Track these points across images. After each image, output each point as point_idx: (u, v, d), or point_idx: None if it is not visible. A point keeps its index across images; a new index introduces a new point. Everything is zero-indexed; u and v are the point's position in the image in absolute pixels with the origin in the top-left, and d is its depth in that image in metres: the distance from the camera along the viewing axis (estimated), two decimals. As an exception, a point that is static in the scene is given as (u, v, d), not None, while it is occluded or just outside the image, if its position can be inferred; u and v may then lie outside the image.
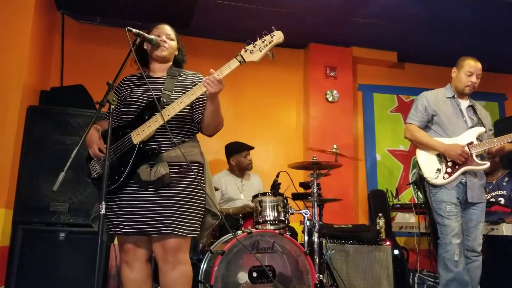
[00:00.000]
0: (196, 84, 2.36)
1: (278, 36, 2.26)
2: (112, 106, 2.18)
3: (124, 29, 2.30)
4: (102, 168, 2.35)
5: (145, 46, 2.53)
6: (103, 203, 1.99)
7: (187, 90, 2.35)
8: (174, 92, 2.42)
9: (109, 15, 4.85)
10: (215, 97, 2.29)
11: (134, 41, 2.36)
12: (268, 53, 2.27)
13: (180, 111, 2.36)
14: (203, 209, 2.42)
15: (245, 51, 2.25)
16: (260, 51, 2.24)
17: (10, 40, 3.62)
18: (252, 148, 4.61)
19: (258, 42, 2.26)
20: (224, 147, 4.64)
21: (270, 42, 2.25)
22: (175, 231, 2.26)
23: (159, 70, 2.56)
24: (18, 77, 3.58)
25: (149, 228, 2.27)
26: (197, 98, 2.36)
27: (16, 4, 3.68)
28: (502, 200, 4.52)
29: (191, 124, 2.50)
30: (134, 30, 2.33)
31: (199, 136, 2.59)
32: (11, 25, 3.64)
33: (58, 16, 4.74)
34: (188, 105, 2.42)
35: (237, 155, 4.54)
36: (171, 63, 2.60)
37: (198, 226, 2.39)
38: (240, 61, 2.25)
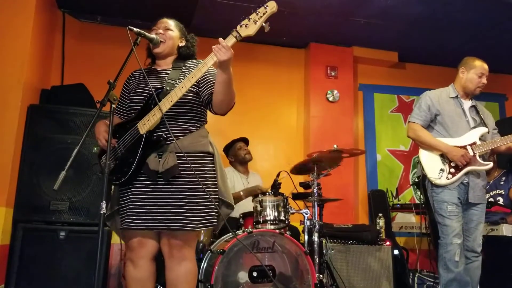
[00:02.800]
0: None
1: (271, 6, 2.22)
2: (113, 105, 2.19)
3: (125, 28, 2.31)
4: (113, 163, 2.36)
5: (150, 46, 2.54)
6: (104, 201, 2.00)
7: None
8: (178, 81, 2.40)
9: (110, 14, 4.85)
10: (225, 66, 2.22)
11: (135, 40, 2.36)
12: (264, 24, 2.22)
13: (185, 99, 2.37)
14: (216, 200, 2.42)
15: (240, 26, 2.22)
16: (255, 23, 2.21)
17: (10, 38, 3.61)
18: (243, 138, 4.65)
19: (253, 15, 2.22)
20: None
21: (264, 13, 2.21)
22: (185, 226, 2.27)
23: (164, 64, 2.57)
24: (18, 75, 3.58)
25: (159, 223, 2.28)
26: (202, 78, 2.35)
27: (17, 2, 3.68)
28: (501, 200, 4.52)
29: (198, 112, 2.48)
30: (135, 29, 2.33)
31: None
32: (12, 24, 3.64)
33: (59, 14, 4.73)
34: (193, 92, 2.42)
35: (231, 150, 4.61)
36: (174, 56, 2.58)
37: (213, 217, 2.39)
38: (236, 37, 2.23)
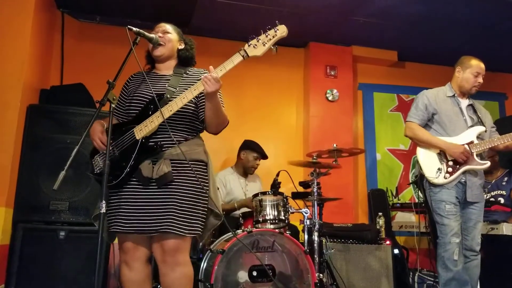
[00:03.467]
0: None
1: (282, 30, 2.24)
2: (113, 105, 2.18)
3: (124, 27, 2.30)
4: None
5: (149, 46, 2.54)
6: (103, 201, 1.99)
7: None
8: (179, 89, 2.41)
9: (109, 14, 4.85)
10: (213, 96, 2.27)
11: (135, 40, 2.36)
12: (272, 47, 2.25)
13: (184, 108, 2.36)
14: (206, 209, 2.41)
15: (249, 45, 2.24)
16: (264, 45, 2.22)
17: (10, 39, 3.62)
18: (265, 157, 4.62)
19: (262, 36, 2.23)
20: (242, 142, 4.67)
21: (273, 36, 2.23)
22: (175, 230, 2.24)
23: (164, 69, 2.56)
24: (18, 75, 3.58)
25: (148, 227, 2.26)
26: (201, 94, 2.35)
27: (16, 2, 3.68)
28: (502, 200, 4.50)
29: (195, 121, 2.48)
30: (134, 28, 2.32)
31: (203, 133, 2.58)
32: (11, 24, 3.64)
33: (58, 14, 4.73)
34: (192, 102, 2.42)
35: (249, 152, 4.55)
36: (174, 60, 2.58)
37: (200, 226, 2.37)
38: (243, 56, 2.24)
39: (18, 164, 3.51)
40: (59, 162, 3.30)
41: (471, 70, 3.51)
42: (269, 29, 2.25)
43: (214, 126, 2.44)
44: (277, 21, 2.25)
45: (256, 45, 2.23)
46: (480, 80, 3.51)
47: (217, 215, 2.47)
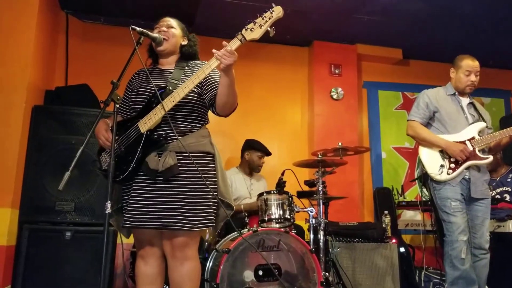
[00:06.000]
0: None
1: (277, 11, 2.24)
2: (117, 105, 2.18)
3: (128, 28, 2.30)
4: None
5: (153, 45, 2.55)
6: (109, 202, 2.00)
7: None
8: (181, 81, 2.41)
9: (113, 14, 4.86)
10: (229, 70, 2.25)
11: (138, 40, 2.36)
12: (269, 29, 2.24)
13: (187, 98, 2.37)
14: (215, 200, 2.42)
15: (246, 29, 2.24)
16: (261, 27, 2.22)
17: (14, 40, 3.62)
18: (269, 153, 4.61)
19: (258, 19, 2.24)
20: (243, 142, 4.65)
21: (270, 18, 2.23)
22: (183, 226, 2.26)
23: (166, 64, 2.57)
24: (22, 76, 3.59)
25: (157, 222, 2.28)
26: (205, 80, 2.36)
27: (20, 4, 3.68)
28: (508, 197, 4.48)
29: (199, 112, 2.49)
30: (138, 28, 2.32)
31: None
32: (15, 25, 3.65)
33: (62, 15, 4.75)
34: (195, 92, 2.43)
35: (253, 152, 4.53)
36: (177, 55, 2.59)
37: (211, 218, 2.38)
38: (241, 40, 2.24)
39: (24, 165, 3.51)
40: (64, 162, 3.31)
41: (462, 70, 3.49)
42: (265, 11, 2.25)
43: (228, 107, 2.41)
44: (272, 3, 2.25)
45: (253, 28, 2.23)
46: (473, 78, 3.48)
47: (228, 205, 2.48)
